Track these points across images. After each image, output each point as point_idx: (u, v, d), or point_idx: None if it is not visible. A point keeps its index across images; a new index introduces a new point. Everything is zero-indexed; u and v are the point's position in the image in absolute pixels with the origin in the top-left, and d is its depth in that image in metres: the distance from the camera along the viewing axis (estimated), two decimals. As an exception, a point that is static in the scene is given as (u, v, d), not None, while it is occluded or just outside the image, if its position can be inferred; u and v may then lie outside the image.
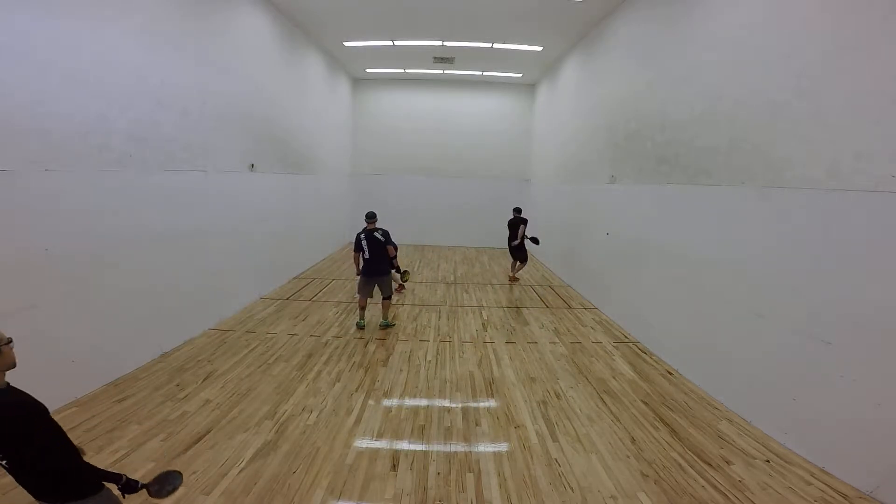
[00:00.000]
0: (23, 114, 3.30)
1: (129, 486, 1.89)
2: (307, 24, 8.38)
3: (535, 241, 8.76)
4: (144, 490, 1.95)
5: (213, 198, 5.72)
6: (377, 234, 5.61)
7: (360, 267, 5.79)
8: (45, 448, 1.66)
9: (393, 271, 5.76)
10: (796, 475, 3.11)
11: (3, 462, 1.63)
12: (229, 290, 6.20)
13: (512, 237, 8.61)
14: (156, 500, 2.00)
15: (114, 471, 1.90)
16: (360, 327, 5.86)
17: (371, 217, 5.77)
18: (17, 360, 1.78)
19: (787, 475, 3.11)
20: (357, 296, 5.97)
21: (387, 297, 5.88)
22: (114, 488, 1.88)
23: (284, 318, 6.20)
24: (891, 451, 2.79)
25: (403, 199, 12.85)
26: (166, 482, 2.03)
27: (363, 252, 5.65)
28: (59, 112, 3.59)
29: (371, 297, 5.91)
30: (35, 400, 1.70)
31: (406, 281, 6.98)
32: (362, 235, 5.66)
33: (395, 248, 5.87)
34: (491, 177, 13.20)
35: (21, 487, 1.71)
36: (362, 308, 5.90)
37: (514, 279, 8.97)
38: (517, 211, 8.72)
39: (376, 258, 5.64)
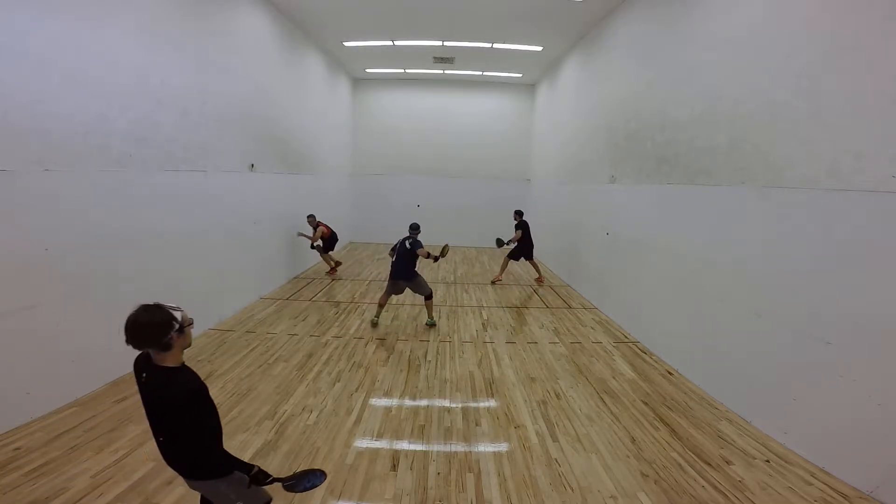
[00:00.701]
0: (23, 114, 3.30)
1: (257, 478, 1.94)
2: (307, 24, 8.38)
3: (499, 243, 8.96)
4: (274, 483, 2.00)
5: (213, 198, 5.71)
6: (408, 243, 5.94)
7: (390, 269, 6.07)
8: (199, 427, 1.79)
9: (438, 256, 6.03)
10: (796, 475, 3.11)
11: (161, 437, 1.82)
12: (229, 290, 6.20)
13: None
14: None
15: (247, 462, 1.97)
16: (374, 325, 6.01)
17: (414, 228, 6.15)
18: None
19: (787, 475, 3.11)
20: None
21: (428, 298, 6.07)
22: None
23: (284, 318, 6.20)
24: (891, 451, 2.80)
25: (403, 199, 12.85)
26: (305, 479, 2.09)
27: (395, 255, 6.03)
28: (59, 112, 3.59)
29: (400, 293, 6.16)
30: (201, 380, 1.84)
31: (444, 254, 6.78)
32: (400, 241, 6.06)
33: (424, 250, 5.93)
34: (491, 177, 13.20)
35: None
36: (380, 306, 6.08)
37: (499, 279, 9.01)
38: (520, 214, 8.92)
39: (401, 263, 5.91)
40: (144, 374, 1.80)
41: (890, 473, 2.81)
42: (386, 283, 6.18)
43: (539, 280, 8.97)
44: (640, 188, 6.06)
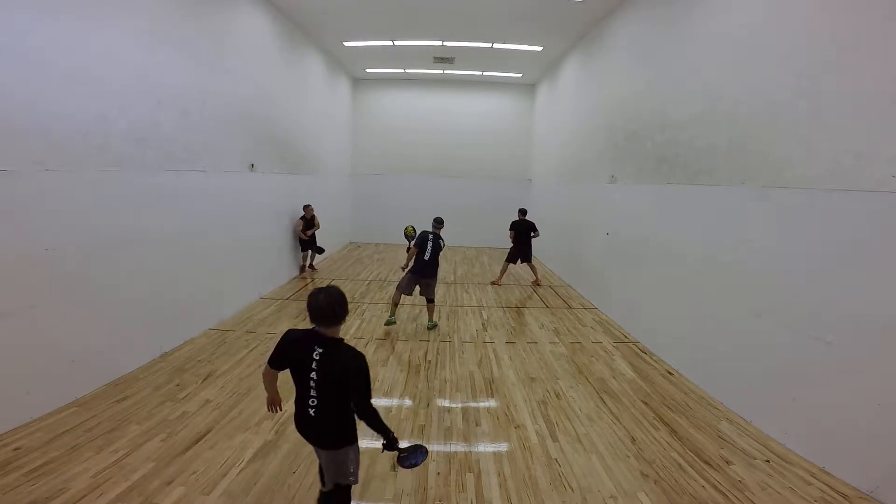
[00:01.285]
0: (23, 114, 3.30)
1: (391, 445, 2.21)
2: (307, 24, 8.38)
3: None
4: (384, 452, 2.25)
5: (213, 198, 5.71)
6: (441, 241, 5.80)
7: (412, 264, 5.79)
8: (368, 387, 2.10)
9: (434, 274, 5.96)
10: (796, 475, 3.11)
11: (313, 402, 2.09)
12: (229, 290, 6.20)
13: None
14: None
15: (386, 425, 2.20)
16: (391, 323, 5.78)
17: (440, 222, 6.07)
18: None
19: (787, 475, 3.11)
20: (395, 292, 5.91)
21: (431, 301, 5.93)
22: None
23: (284, 318, 6.20)
24: (891, 451, 2.79)
25: (403, 198, 12.84)
26: (413, 455, 2.28)
27: (425, 252, 5.69)
28: (59, 112, 3.59)
29: (410, 295, 5.92)
30: (360, 354, 2.11)
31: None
32: (430, 236, 5.78)
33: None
34: (491, 177, 13.20)
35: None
36: (395, 305, 5.87)
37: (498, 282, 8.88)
38: (523, 212, 8.84)
39: (433, 261, 5.74)
40: (320, 350, 2.06)
41: (890, 473, 2.81)
42: (402, 279, 5.86)
43: (536, 283, 8.84)
44: (640, 188, 6.06)
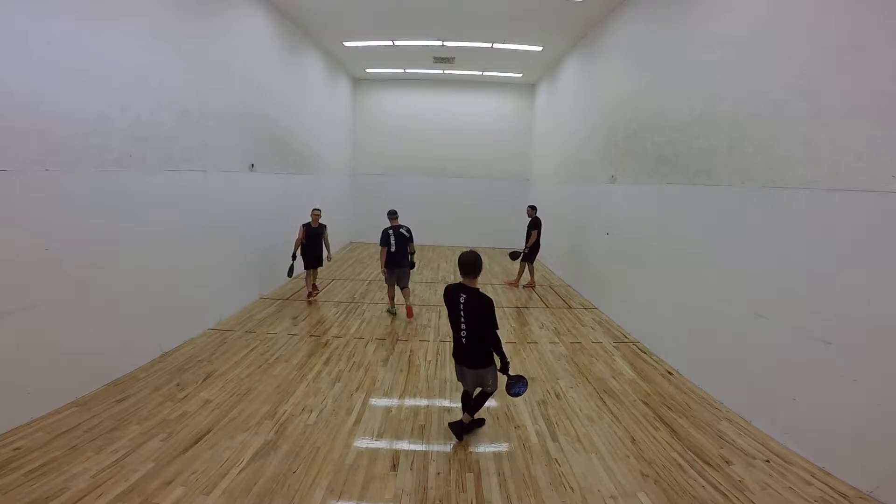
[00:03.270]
0: (23, 114, 3.30)
1: (504, 368, 3.23)
2: (307, 24, 8.38)
3: (514, 255, 8.45)
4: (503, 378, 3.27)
5: (213, 198, 5.72)
6: (403, 231, 6.16)
7: (386, 259, 6.10)
8: (496, 324, 3.15)
9: (412, 264, 6.46)
10: (796, 475, 3.11)
11: (464, 331, 3.19)
12: (229, 290, 6.20)
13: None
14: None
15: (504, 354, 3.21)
16: (393, 313, 6.51)
17: (394, 214, 6.36)
18: None
19: (787, 475, 3.11)
20: (387, 286, 6.54)
21: (404, 287, 6.35)
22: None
23: (284, 318, 6.20)
24: (891, 451, 2.79)
25: (403, 198, 12.77)
26: (517, 384, 3.22)
27: (390, 246, 6.04)
28: (59, 112, 3.59)
29: (404, 285, 6.37)
30: (490, 299, 3.14)
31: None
32: (390, 231, 6.08)
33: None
34: (491, 177, 13.21)
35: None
36: (391, 297, 6.56)
37: (521, 285, 8.50)
38: (533, 209, 8.29)
39: (401, 252, 6.12)
40: (464, 296, 3.13)
41: (890, 473, 2.81)
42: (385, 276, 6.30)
43: (531, 285, 8.49)
44: (640, 188, 6.06)
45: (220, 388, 4.11)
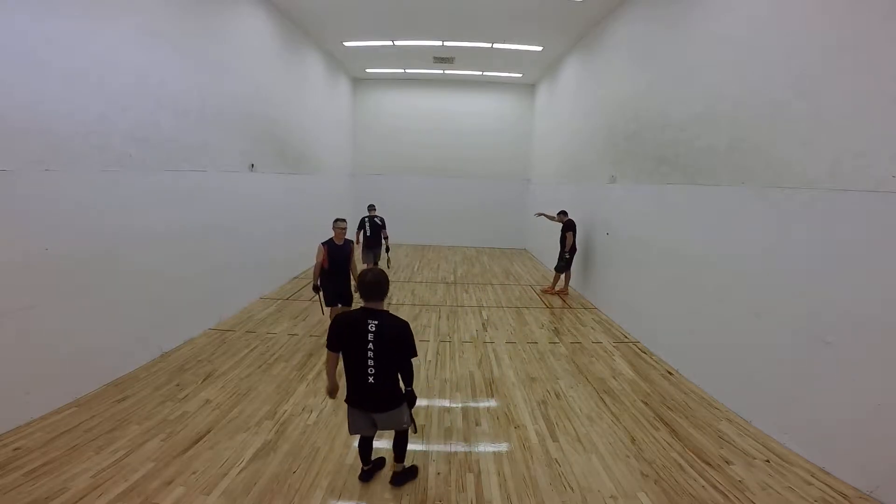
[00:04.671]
0: (23, 114, 3.30)
1: (411, 399, 2.67)
2: (307, 24, 8.38)
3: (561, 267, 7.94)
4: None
5: (213, 198, 5.72)
6: (376, 220, 7.85)
7: (362, 241, 7.77)
8: (414, 351, 2.54)
9: (384, 246, 8.00)
10: (796, 475, 3.11)
11: (372, 368, 2.46)
12: (229, 290, 6.20)
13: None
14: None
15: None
16: None
17: (371, 207, 8.07)
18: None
19: (787, 475, 3.11)
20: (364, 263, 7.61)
21: (375, 264, 7.62)
22: None
23: (284, 318, 6.20)
24: (891, 451, 2.79)
25: (403, 198, 12.85)
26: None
27: (365, 230, 7.78)
28: (59, 112, 3.59)
29: (375, 263, 7.63)
30: (405, 322, 2.56)
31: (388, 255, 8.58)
32: (366, 219, 7.82)
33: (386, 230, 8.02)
34: (491, 177, 13.21)
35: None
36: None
37: (556, 292, 8.07)
38: (564, 213, 7.89)
39: (374, 236, 7.80)
40: (375, 322, 2.45)
41: (890, 473, 2.81)
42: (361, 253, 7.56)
43: (550, 290, 8.16)
44: (640, 188, 6.06)
45: (220, 388, 4.11)
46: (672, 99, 5.27)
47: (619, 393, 4.34)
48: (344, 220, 4.91)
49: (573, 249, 7.71)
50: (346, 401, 2.62)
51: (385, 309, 2.53)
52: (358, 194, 12.91)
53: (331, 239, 4.88)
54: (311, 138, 9.40)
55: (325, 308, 5.09)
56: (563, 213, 7.92)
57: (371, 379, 2.47)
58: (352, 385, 2.55)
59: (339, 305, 4.94)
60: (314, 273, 4.90)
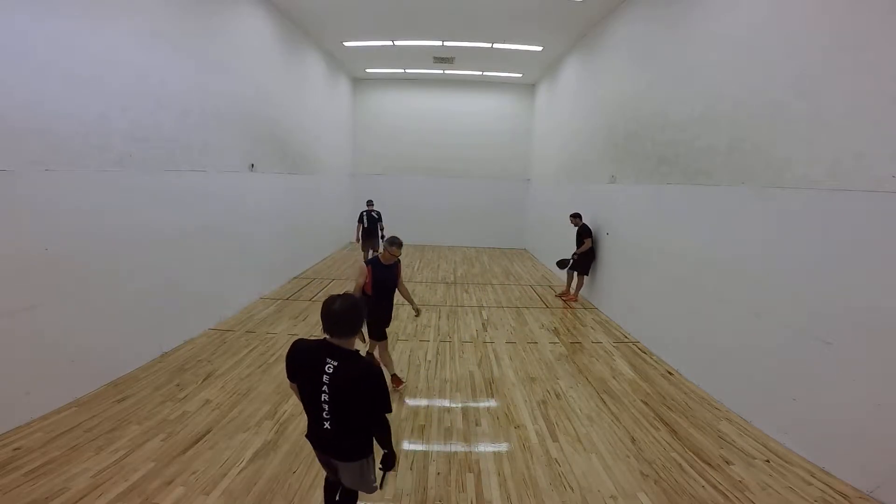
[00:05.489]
0: (23, 114, 3.30)
1: (389, 462, 2.08)
2: (307, 24, 8.38)
3: (563, 264, 7.67)
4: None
5: (213, 198, 5.72)
6: (373, 213, 8.86)
7: (360, 232, 8.78)
8: (387, 398, 1.95)
9: (382, 237, 8.60)
10: (796, 475, 3.11)
11: (327, 414, 1.91)
12: (229, 290, 6.20)
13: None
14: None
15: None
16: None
17: (370, 203, 9.04)
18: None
19: (787, 475, 3.11)
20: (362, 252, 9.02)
21: (374, 249, 8.65)
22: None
23: (284, 318, 6.20)
24: (891, 451, 2.79)
25: (403, 198, 12.85)
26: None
27: (363, 222, 8.78)
28: (59, 112, 3.59)
29: (375, 251, 8.40)
30: (377, 367, 2.02)
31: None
32: (364, 213, 8.82)
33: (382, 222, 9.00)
34: (491, 177, 13.21)
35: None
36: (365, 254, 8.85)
37: (572, 296, 7.69)
38: (578, 217, 7.48)
39: (372, 227, 8.79)
40: (334, 362, 1.88)
41: (890, 473, 2.81)
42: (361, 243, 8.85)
43: (565, 294, 7.83)
44: (640, 188, 6.06)
45: (220, 388, 4.11)
46: (672, 99, 5.27)
47: (619, 393, 4.34)
48: (400, 243, 3.94)
49: (588, 256, 7.28)
50: (306, 437, 2.12)
51: (355, 350, 1.96)
52: (358, 194, 12.89)
53: (376, 257, 4.06)
54: (311, 138, 9.40)
55: (368, 341, 4.17)
56: (577, 215, 7.45)
57: (326, 424, 1.94)
58: (309, 420, 2.05)
59: (378, 340, 4.16)
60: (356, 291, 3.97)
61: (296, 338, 2.12)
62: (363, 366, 1.92)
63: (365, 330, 3.97)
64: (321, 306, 1.92)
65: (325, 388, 1.88)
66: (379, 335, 4.12)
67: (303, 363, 1.97)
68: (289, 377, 2.07)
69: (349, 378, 1.87)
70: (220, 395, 3.98)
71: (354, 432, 1.99)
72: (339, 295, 1.95)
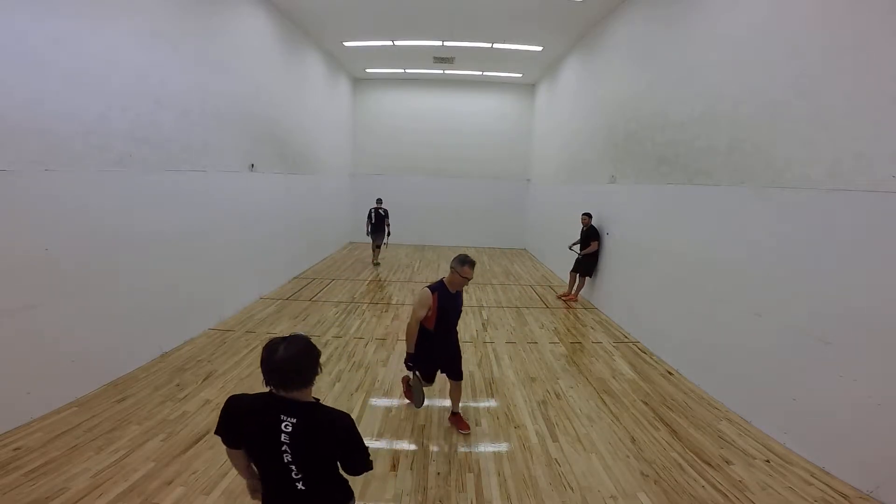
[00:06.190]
0: (23, 113, 3.30)
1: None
2: (307, 24, 8.38)
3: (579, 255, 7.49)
4: None
5: (213, 198, 5.71)
6: (381, 210, 9.78)
7: (368, 227, 9.77)
8: (365, 455, 1.65)
9: (388, 234, 9.92)
10: (796, 475, 3.11)
11: (297, 475, 1.57)
12: (229, 290, 6.20)
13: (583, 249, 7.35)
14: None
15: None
16: (377, 265, 9.90)
17: (379, 201, 9.93)
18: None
19: (787, 475, 3.11)
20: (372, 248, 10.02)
21: (378, 247, 9.91)
22: None
23: (284, 318, 6.19)
24: (891, 451, 2.79)
25: (403, 198, 12.81)
26: None
27: (371, 218, 9.73)
28: (59, 112, 3.59)
29: (377, 248, 9.92)
30: (345, 415, 1.66)
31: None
32: (372, 210, 9.79)
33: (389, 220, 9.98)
34: (491, 177, 13.21)
35: None
36: (373, 251, 10.07)
37: (573, 297, 7.65)
38: (589, 217, 7.32)
39: (378, 223, 9.74)
40: (292, 419, 1.52)
41: (890, 473, 2.81)
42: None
43: (566, 296, 7.77)
44: (640, 188, 6.06)
45: (220, 388, 4.11)
46: (672, 99, 5.27)
47: (619, 393, 4.34)
48: (473, 262, 3.17)
49: (592, 258, 7.23)
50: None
51: (314, 400, 1.63)
52: (358, 194, 12.92)
53: (442, 282, 3.25)
54: (311, 138, 9.40)
55: (422, 398, 3.46)
56: (588, 215, 7.29)
57: (300, 485, 1.58)
58: (267, 486, 1.67)
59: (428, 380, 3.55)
60: (409, 334, 3.26)
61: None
62: (329, 419, 1.61)
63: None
64: (261, 352, 1.51)
65: (284, 448, 1.52)
66: (456, 375, 3.49)
67: (249, 427, 1.56)
68: (225, 443, 1.64)
69: (314, 435, 1.54)
70: (220, 395, 3.98)
71: (337, 483, 1.70)
72: (281, 339, 1.53)
